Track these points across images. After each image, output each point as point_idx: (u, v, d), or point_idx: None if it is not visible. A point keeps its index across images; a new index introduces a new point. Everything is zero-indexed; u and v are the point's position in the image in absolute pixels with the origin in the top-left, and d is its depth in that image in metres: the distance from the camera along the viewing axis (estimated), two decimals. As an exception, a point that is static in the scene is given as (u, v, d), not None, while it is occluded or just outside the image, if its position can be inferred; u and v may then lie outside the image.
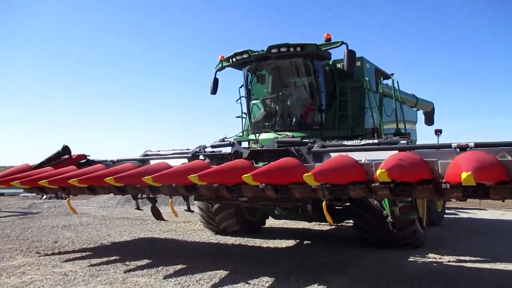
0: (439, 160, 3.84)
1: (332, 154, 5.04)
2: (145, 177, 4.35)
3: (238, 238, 7.67)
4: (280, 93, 7.72)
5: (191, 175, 4.06)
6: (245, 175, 3.87)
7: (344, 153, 4.80)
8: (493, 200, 4.04)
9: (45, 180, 5.25)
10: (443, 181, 3.66)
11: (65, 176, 5.28)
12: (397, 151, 4.59)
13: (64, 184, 5.26)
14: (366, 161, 4.43)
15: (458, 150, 4.25)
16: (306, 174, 3.70)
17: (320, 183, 3.98)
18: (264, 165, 5.87)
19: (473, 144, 4.24)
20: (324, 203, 4.24)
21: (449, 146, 4.38)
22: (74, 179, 4.97)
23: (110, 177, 4.68)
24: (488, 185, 3.46)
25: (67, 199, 6.20)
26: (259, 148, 5.95)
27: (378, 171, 3.51)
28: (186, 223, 9.54)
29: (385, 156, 4.50)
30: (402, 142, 4.77)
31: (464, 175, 3.08)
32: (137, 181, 4.77)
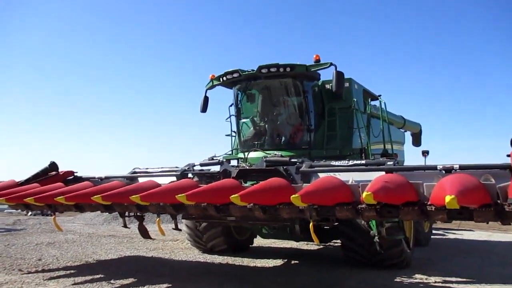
0: (424, 182, 3.89)
1: (320, 174, 5.08)
2: (133, 196, 4.32)
3: (226, 257, 7.62)
4: (269, 113, 7.80)
5: (179, 195, 4.05)
6: (233, 196, 3.87)
7: (331, 174, 4.85)
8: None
9: (31, 198, 5.18)
10: (428, 203, 3.71)
11: (51, 193, 5.21)
12: (383, 172, 4.66)
13: (51, 201, 5.19)
14: (353, 182, 4.48)
15: (443, 172, 4.32)
16: (293, 195, 3.72)
17: (308, 204, 4.00)
18: (252, 184, 5.89)
19: (458, 166, 4.31)
20: (311, 224, 4.25)
21: (434, 168, 4.45)
22: (61, 196, 4.91)
23: (98, 196, 4.63)
24: (472, 208, 3.52)
25: (53, 217, 6.10)
26: (247, 167, 5.97)
27: (364, 194, 3.54)
28: (173, 241, 9.46)
29: (372, 177, 4.55)
30: (389, 163, 4.83)
31: (448, 198, 3.13)
32: (124, 200, 4.71)
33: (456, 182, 3.39)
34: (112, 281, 5.50)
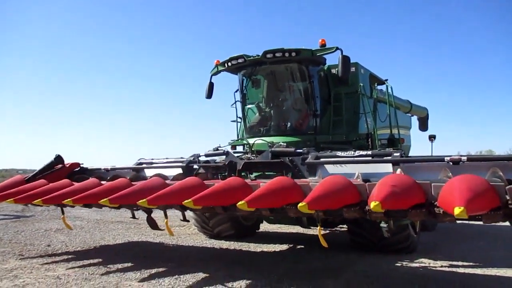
0: (433, 183, 3.81)
1: (326, 166, 5.09)
2: (140, 201, 4.32)
3: (232, 242, 7.67)
4: (275, 98, 7.77)
5: (186, 201, 4.06)
6: (240, 203, 3.86)
7: (337, 165, 4.92)
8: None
9: (39, 200, 5.18)
10: (436, 204, 3.65)
11: (59, 193, 5.20)
12: (390, 164, 4.64)
13: (58, 202, 5.22)
14: (360, 176, 4.49)
15: (451, 163, 4.29)
16: (300, 204, 3.67)
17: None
18: (258, 175, 5.87)
19: (465, 158, 4.27)
20: (318, 228, 4.21)
21: (442, 159, 4.41)
22: (69, 199, 4.92)
23: (105, 199, 4.63)
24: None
25: (62, 217, 6.10)
26: (253, 158, 5.97)
27: (372, 204, 3.46)
28: (180, 227, 9.53)
29: (379, 169, 4.55)
30: (395, 154, 4.79)
31: (457, 210, 3.07)
32: (131, 201, 4.70)
33: (465, 189, 3.28)
34: (120, 266, 5.57)
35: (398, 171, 4.45)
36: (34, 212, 12.21)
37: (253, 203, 3.94)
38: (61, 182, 5.84)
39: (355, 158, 4.98)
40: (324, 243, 4.22)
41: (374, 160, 4.86)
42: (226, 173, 5.78)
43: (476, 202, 3.19)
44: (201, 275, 5.13)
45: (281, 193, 4.14)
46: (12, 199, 5.47)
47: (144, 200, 4.30)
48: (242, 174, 5.73)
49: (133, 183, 5.33)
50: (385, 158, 4.81)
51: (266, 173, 6.02)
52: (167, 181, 5.23)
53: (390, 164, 4.67)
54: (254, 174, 6.02)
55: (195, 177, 5.07)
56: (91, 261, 5.90)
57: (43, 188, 5.65)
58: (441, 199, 3.55)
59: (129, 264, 5.68)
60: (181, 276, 5.08)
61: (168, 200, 4.52)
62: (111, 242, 7.67)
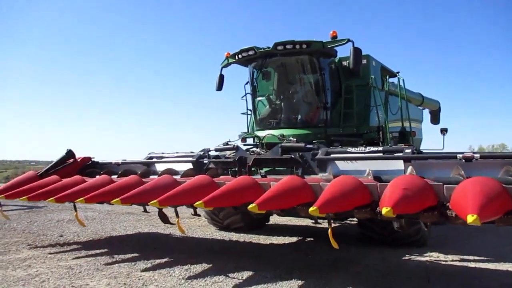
0: (445, 184, 3.75)
1: (337, 162, 5.08)
2: (152, 202, 4.39)
3: (242, 234, 7.69)
4: (285, 90, 7.74)
5: (197, 203, 4.13)
6: (250, 206, 3.88)
7: (348, 162, 4.93)
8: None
9: (52, 198, 5.28)
10: (449, 206, 3.60)
11: (71, 192, 5.31)
12: (402, 161, 4.61)
13: (71, 200, 5.33)
14: (371, 173, 4.45)
15: (463, 161, 4.24)
16: (311, 209, 3.66)
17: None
18: (268, 170, 5.89)
19: (478, 155, 4.22)
20: (329, 230, 4.15)
21: (454, 156, 4.35)
22: (81, 198, 5.03)
23: (117, 199, 4.72)
24: None
25: (75, 213, 6.17)
26: (263, 153, 5.97)
27: (384, 210, 3.42)
28: (190, 219, 9.57)
29: (390, 166, 4.52)
30: (407, 151, 4.73)
31: (470, 218, 3.03)
32: (143, 201, 4.82)
33: (478, 194, 3.22)
34: (130, 256, 5.64)
35: (410, 168, 4.39)
36: (47, 203, 12.31)
37: (264, 206, 3.95)
38: (73, 178, 5.94)
39: (366, 155, 4.94)
40: (334, 245, 4.13)
41: (385, 156, 4.82)
42: (236, 169, 5.79)
43: (489, 208, 3.14)
44: (210, 267, 5.16)
45: (292, 194, 4.13)
46: (25, 196, 5.56)
47: (156, 201, 4.36)
48: (252, 169, 5.73)
49: (144, 179, 5.40)
50: (396, 154, 4.76)
51: (276, 168, 6.02)
52: (178, 179, 5.26)
53: (402, 161, 4.63)
54: (264, 169, 6.01)
55: (205, 176, 5.07)
56: (103, 251, 5.98)
57: (56, 185, 5.73)
58: (454, 202, 3.49)
59: (140, 255, 5.73)
60: (191, 267, 5.12)
61: (179, 201, 4.59)
62: (122, 233, 7.75)
